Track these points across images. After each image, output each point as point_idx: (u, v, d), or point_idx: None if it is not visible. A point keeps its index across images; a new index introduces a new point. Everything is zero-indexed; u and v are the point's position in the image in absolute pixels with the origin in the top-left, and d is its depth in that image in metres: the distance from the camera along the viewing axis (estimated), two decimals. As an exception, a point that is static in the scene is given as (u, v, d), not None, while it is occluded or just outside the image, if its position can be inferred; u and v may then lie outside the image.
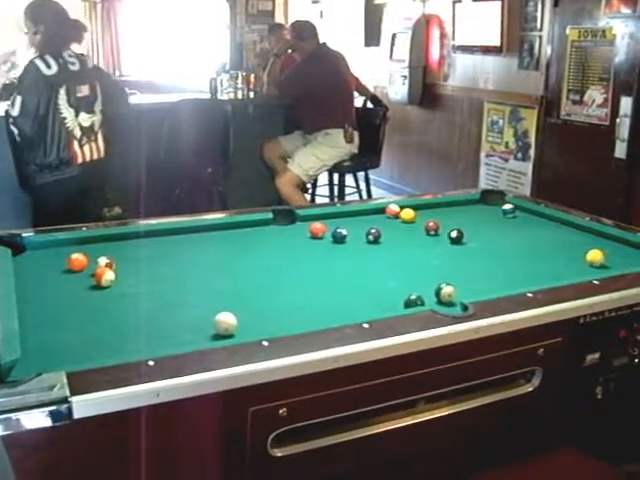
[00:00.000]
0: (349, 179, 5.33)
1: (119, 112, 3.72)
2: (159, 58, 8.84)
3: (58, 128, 3.30)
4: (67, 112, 3.32)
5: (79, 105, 3.39)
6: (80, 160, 3.41)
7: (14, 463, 1.29)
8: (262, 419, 1.48)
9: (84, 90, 3.42)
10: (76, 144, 3.39)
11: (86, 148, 3.44)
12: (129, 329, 1.69)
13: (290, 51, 5.22)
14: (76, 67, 3.39)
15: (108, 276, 1.97)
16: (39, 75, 3.23)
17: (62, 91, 3.30)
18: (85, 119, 3.42)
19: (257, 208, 2.81)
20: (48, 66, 3.26)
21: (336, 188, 5.27)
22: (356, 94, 5.29)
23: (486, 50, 5.44)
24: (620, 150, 4.25)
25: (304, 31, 4.95)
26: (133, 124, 4.60)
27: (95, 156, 3.50)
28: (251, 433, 1.48)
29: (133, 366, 1.41)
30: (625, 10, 4.17)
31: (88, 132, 3.45)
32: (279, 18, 8.05)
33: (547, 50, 4.83)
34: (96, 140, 3.51)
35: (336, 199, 5.19)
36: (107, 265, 2.03)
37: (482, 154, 5.60)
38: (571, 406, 1.90)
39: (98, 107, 3.52)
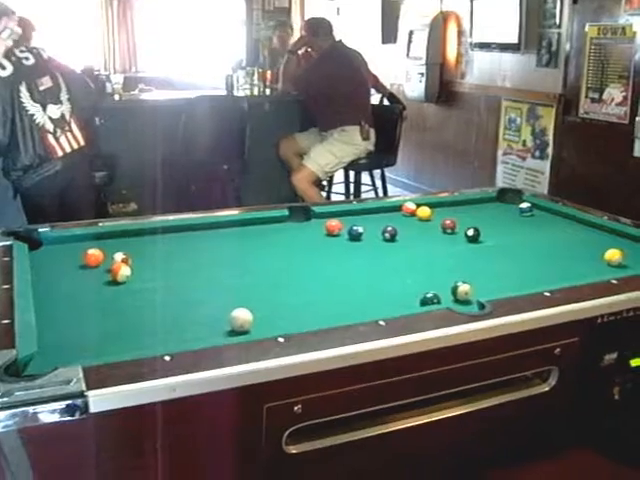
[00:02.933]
0: (365, 177, 5.31)
1: (85, 104, 3.62)
2: (175, 55, 8.86)
3: (28, 126, 3.24)
4: (33, 108, 3.26)
5: (44, 98, 3.31)
6: (60, 153, 3.34)
7: (30, 456, 1.30)
8: (277, 416, 1.47)
9: (45, 82, 3.34)
10: (51, 138, 3.32)
11: (62, 140, 3.37)
12: (145, 324, 1.70)
13: (305, 48, 5.20)
14: (31, 61, 3.32)
15: (124, 272, 1.98)
16: None
17: (23, 88, 3.23)
18: (54, 111, 3.34)
19: (273, 205, 2.81)
20: (2, 67, 3.19)
21: (352, 186, 5.25)
22: (373, 91, 5.28)
23: (504, 47, 5.40)
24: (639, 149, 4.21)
25: (319, 28, 4.93)
26: (149, 121, 4.63)
27: (75, 145, 3.43)
28: (266, 430, 1.48)
29: (149, 361, 1.41)
30: (645, 7, 4.12)
31: (60, 123, 3.37)
32: (295, 15, 8.06)
33: (566, 47, 4.79)
34: (71, 130, 3.43)
35: (352, 197, 5.19)
36: (123, 261, 2.03)
37: (499, 152, 5.57)
38: (588, 406, 1.88)
39: (64, 96, 3.42)
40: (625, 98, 4.32)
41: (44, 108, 3.31)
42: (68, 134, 3.40)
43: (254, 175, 4.80)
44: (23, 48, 3.35)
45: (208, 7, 8.85)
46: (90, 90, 3.95)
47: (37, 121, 3.28)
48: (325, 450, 1.58)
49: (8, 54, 3.25)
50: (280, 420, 1.49)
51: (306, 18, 5.31)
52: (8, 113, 3.20)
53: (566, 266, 2.17)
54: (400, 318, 1.66)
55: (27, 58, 3.32)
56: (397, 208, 2.78)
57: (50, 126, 3.32)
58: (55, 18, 7.74)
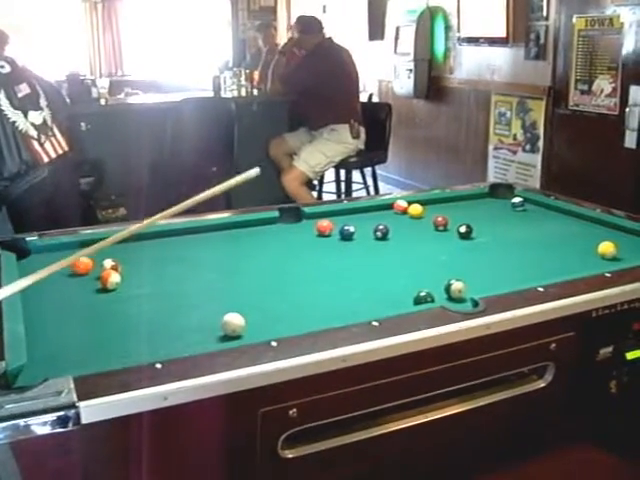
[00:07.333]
0: (356, 175, 5.31)
1: (60, 116, 3.57)
2: (161, 57, 8.83)
3: (11, 134, 3.20)
4: (14, 115, 3.22)
5: (24, 105, 3.28)
6: (46, 159, 3.30)
7: (22, 469, 1.27)
8: (272, 420, 1.46)
9: (23, 89, 3.31)
10: (36, 144, 3.28)
11: (47, 145, 3.33)
12: (136, 332, 1.67)
13: (295, 49, 5.19)
14: (6, 69, 3.30)
15: (114, 279, 1.95)
16: None
17: (1, 96, 3.20)
18: (35, 117, 3.31)
19: (263, 206, 2.79)
20: None
21: (343, 184, 5.25)
22: (362, 88, 5.27)
23: (492, 41, 5.40)
24: (630, 140, 4.20)
25: (309, 25, 4.92)
26: (136, 125, 4.61)
27: (60, 151, 3.40)
28: (261, 435, 1.47)
29: (140, 369, 1.39)
30: (632, -3, 4.13)
31: (44, 129, 3.34)
32: (281, 13, 8.04)
33: (554, 40, 4.79)
34: (54, 135, 3.39)
35: (343, 196, 5.18)
36: (112, 267, 2.01)
37: (490, 147, 5.57)
38: (585, 401, 1.87)
39: (44, 102, 3.39)
40: (614, 89, 4.32)
41: (25, 115, 3.28)
42: (52, 139, 3.37)
43: (244, 176, 4.77)
44: None
45: (193, 8, 8.82)
46: (64, 100, 3.93)
47: (20, 128, 3.24)
48: (322, 454, 1.56)
49: None
50: (275, 425, 1.47)
51: (296, 16, 5.28)
52: None
53: (559, 260, 2.16)
54: (394, 318, 1.64)
55: (2, 66, 3.30)
56: (388, 206, 2.76)
57: (34, 132, 3.29)
58: (40, 23, 7.70)
